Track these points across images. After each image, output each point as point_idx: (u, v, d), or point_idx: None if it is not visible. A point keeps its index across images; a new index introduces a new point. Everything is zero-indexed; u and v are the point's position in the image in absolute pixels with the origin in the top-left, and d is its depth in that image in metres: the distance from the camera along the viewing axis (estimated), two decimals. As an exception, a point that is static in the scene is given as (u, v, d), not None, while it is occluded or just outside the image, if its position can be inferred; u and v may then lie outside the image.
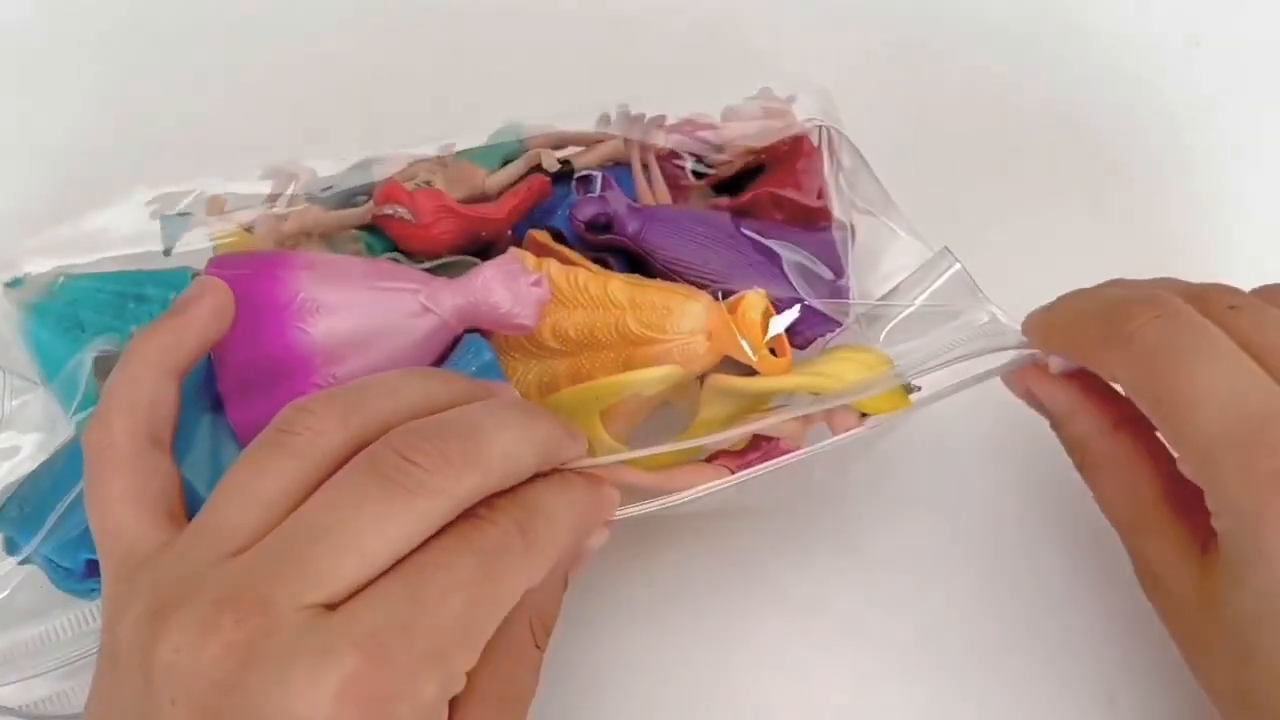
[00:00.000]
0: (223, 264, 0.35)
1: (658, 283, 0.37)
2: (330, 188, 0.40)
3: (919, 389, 0.36)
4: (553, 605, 0.32)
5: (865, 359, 0.36)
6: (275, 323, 0.33)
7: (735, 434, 0.34)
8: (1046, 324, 0.35)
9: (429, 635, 0.26)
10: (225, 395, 0.34)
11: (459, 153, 0.41)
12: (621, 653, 0.38)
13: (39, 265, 0.39)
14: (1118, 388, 0.35)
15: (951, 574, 0.40)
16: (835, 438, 0.35)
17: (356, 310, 0.34)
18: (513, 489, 0.29)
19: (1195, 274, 0.34)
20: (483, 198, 0.40)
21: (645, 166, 0.42)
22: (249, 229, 0.39)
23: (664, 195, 0.42)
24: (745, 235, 0.40)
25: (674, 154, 0.43)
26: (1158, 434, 0.32)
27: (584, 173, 0.40)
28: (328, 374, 0.34)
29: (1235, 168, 0.50)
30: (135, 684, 0.26)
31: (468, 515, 0.28)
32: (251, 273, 0.34)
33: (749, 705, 0.38)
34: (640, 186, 0.42)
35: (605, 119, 0.43)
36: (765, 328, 0.36)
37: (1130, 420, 0.34)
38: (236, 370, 0.34)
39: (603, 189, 0.39)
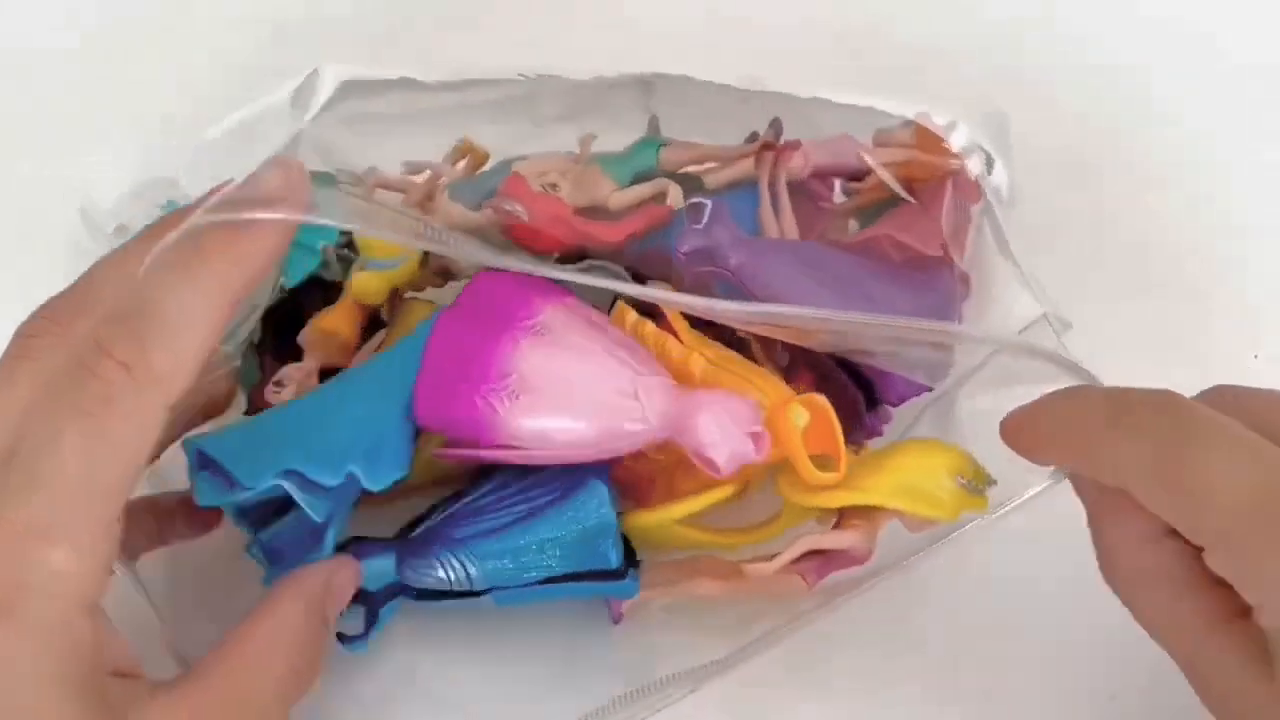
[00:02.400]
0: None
1: (745, 367, 0.37)
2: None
3: (995, 483, 0.36)
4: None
5: (934, 463, 0.35)
6: (499, 327, 0.34)
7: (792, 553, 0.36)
8: (1031, 426, 0.33)
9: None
10: (419, 380, 0.34)
11: (594, 156, 0.42)
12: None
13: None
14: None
15: (949, 571, 0.39)
16: (916, 553, 0.36)
17: (576, 356, 0.34)
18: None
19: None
20: (602, 211, 0.41)
21: (773, 188, 0.41)
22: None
23: (790, 223, 0.41)
24: (858, 287, 0.39)
25: (817, 174, 0.42)
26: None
27: (695, 200, 0.39)
28: (510, 392, 0.34)
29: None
30: None
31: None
32: (509, 282, 0.35)
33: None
34: (765, 212, 0.41)
35: (753, 136, 0.43)
36: (811, 437, 0.35)
37: (1169, 531, 0.31)
38: (436, 357, 0.34)
39: (711, 219, 0.38)
